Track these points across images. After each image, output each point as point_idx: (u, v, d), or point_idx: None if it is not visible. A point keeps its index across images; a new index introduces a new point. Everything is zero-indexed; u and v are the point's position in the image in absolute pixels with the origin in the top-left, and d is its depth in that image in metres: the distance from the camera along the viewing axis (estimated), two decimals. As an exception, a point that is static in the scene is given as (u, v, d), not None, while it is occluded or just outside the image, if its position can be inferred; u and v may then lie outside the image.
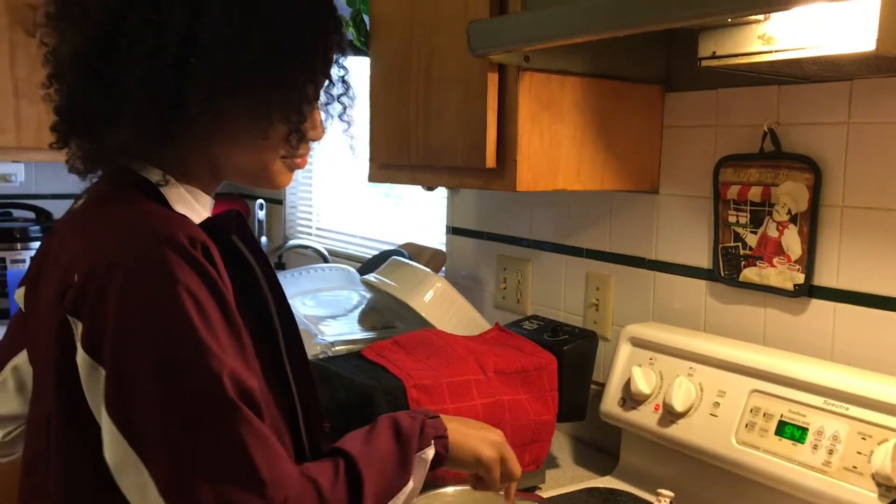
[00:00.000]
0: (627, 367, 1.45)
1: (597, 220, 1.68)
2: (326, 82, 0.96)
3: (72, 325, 0.79)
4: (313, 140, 0.98)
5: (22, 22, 2.52)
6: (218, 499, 0.73)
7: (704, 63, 1.17)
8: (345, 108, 1.01)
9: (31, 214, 2.80)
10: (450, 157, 1.47)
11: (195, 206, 0.91)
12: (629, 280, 1.62)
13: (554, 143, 1.39)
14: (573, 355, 1.44)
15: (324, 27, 0.92)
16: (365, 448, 0.89)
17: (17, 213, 2.81)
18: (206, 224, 0.85)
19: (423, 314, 1.54)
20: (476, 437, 1.01)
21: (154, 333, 0.75)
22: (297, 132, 0.91)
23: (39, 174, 2.89)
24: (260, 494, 0.75)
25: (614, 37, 1.15)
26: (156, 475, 0.74)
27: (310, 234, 2.87)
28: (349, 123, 1.04)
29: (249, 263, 0.86)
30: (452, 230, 2.08)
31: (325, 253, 2.50)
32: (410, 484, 0.92)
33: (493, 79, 1.36)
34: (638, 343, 1.46)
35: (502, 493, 1.08)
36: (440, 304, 1.56)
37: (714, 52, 1.14)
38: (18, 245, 2.64)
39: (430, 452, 0.95)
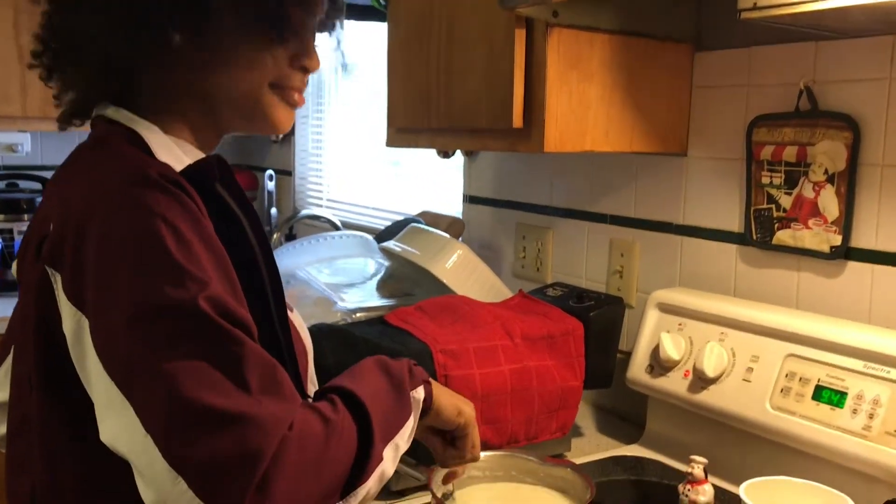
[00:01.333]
0: (655, 334, 1.41)
1: (621, 186, 1.64)
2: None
3: (51, 277, 0.77)
4: (308, 69, 0.92)
5: (26, -12, 2.46)
6: (209, 422, 0.67)
7: (745, 15, 1.12)
8: (334, 26, 0.95)
9: (38, 185, 2.76)
10: (473, 119, 1.42)
11: (181, 157, 0.86)
12: (655, 246, 1.58)
13: (582, 103, 1.35)
14: (600, 321, 1.41)
15: None
16: (356, 383, 0.83)
17: (23, 184, 2.77)
18: (186, 171, 0.81)
19: (444, 281, 1.51)
20: (456, 398, 0.98)
21: (131, 265, 0.72)
22: (286, 47, 0.88)
23: (45, 144, 2.84)
24: (259, 411, 0.69)
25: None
26: (140, 410, 0.69)
27: (320, 206, 2.83)
28: (339, 40, 0.98)
29: (234, 212, 0.82)
30: (469, 199, 2.04)
31: (338, 223, 2.46)
32: (411, 419, 0.86)
33: (520, 35, 1.31)
34: (666, 308, 1.43)
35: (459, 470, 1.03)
36: (462, 271, 1.52)
37: (755, 3, 1.10)
38: (25, 216, 2.60)
39: (421, 392, 0.90)
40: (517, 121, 1.33)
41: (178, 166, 0.82)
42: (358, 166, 2.70)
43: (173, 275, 0.71)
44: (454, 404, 0.96)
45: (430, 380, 0.93)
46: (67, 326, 0.75)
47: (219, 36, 0.85)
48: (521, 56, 1.32)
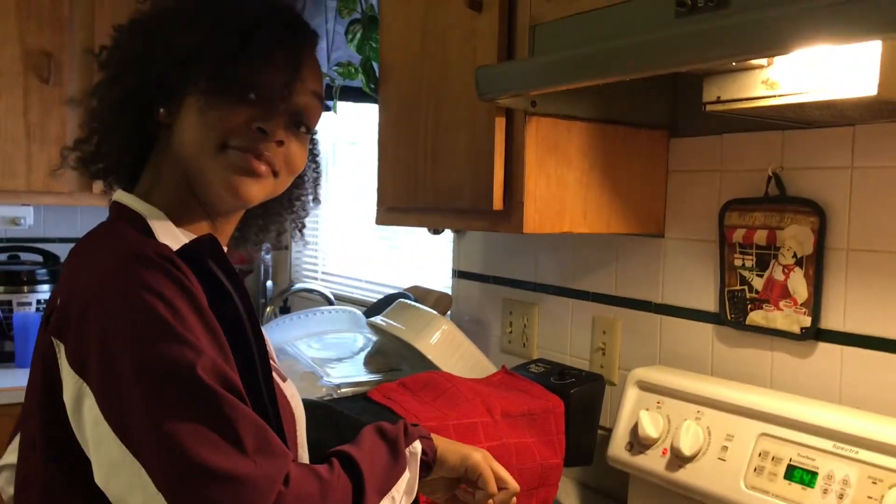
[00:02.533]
0: (635, 411, 1.44)
1: (603, 264, 1.69)
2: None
3: (56, 347, 0.83)
4: (265, 131, 0.93)
5: (36, 68, 2.57)
6: (213, 481, 0.74)
7: (709, 108, 1.18)
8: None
9: (39, 258, 2.81)
10: (457, 200, 1.48)
11: (179, 238, 0.94)
12: (636, 324, 1.62)
13: (560, 186, 1.41)
14: (580, 398, 1.44)
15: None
16: (353, 447, 0.92)
17: (24, 256, 2.83)
18: (181, 251, 0.88)
19: (429, 356, 1.54)
20: (461, 446, 1.06)
21: (131, 335, 0.79)
22: (242, 109, 0.93)
23: (48, 217, 2.91)
24: (256, 471, 0.76)
25: (619, 81, 1.18)
26: (150, 468, 0.76)
27: (315, 279, 2.88)
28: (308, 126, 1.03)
29: (224, 287, 0.88)
30: (458, 274, 2.09)
31: (331, 296, 2.51)
32: (407, 473, 0.94)
33: (500, 123, 1.38)
34: (645, 387, 1.46)
35: None
36: (446, 347, 1.56)
37: (718, 97, 1.16)
38: (25, 288, 2.65)
39: (417, 446, 0.98)
40: (497, 203, 1.39)
41: (176, 245, 0.89)
42: (352, 241, 2.76)
43: (171, 343, 0.78)
44: (457, 451, 1.04)
45: (431, 435, 1.01)
46: (68, 394, 0.82)
47: (179, 108, 0.95)
48: (501, 142, 1.39)
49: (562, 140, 1.41)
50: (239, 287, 0.90)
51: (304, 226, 1.19)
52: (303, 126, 0.99)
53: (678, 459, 1.34)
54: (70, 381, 0.81)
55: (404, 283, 2.30)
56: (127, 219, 0.94)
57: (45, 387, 0.85)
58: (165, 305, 0.80)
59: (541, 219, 1.39)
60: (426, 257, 2.33)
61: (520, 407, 1.36)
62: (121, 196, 0.97)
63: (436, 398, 1.35)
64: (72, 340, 0.82)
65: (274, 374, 0.92)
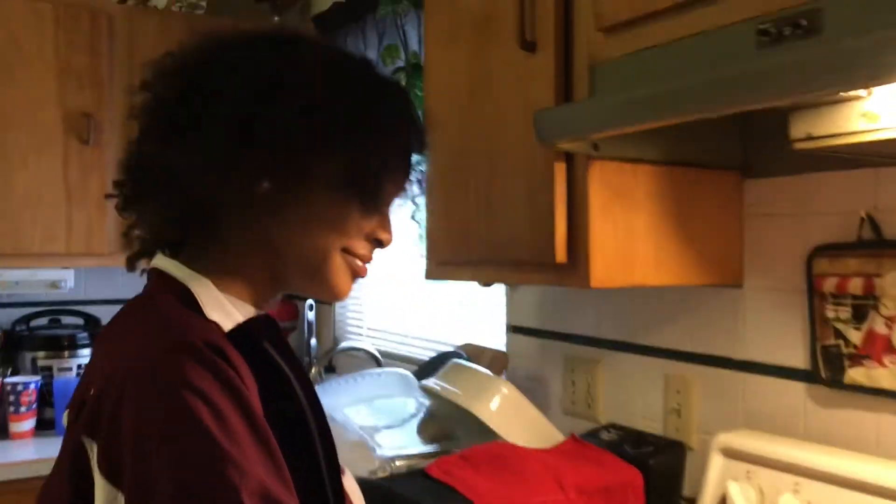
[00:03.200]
0: (721, 482, 1.29)
1: (673, 317, 1.56)
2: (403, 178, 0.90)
3: (87, 446, 0.72)
4: (382, 243, 0.90)
5: (76, 129, 2.54)
6: None
7: (799, 146, 1.06)
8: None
9: (80, 321, 2.76)
10: (515, 252, 1.37)
11: (233, 314, 0.82)
12: (714, 382, 1.48)
13: (629, 235, 1.29)
14: (660, 469, 1.30)
15: (411, 118, 0.89)
16: None
17: (65, 319, 2.78)
18: (235, 331, 0.78)
19: (489, 423, 1.42)
20: None
21: (169, 446, 0.68)
22: (368, 219, 0.86)
23: (89, 280, 2.86)
24: None
25: (688, 122, 1.07)
26: None
27: (360, 335, 2.77)
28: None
29: (283, 372, 0.77)
30: (513, 329, 1.96)
31: (378, 355, 2.40)
32: None
33: (560, 168, 1.27)
34: (732, 454, 1.31)
35: None
36: (508, 413, 1.43)
37: (809, 134, 1.04)
38: (66, 353, 2.59)
39: None
40: (560, 255, 1.27)
41: (228, 324, 0.79)
42: (398, 294, 2.65)
43: (213, 461, 0.67)
44: None
45: None
46: (100, 502, 0.71)
47: (305, 193, 0.83)
48: (563, 188, 1.28)
49: (628, 184, 1.29)
50: (300, 375, 0.80)
51: None
52: None
53: (776, 538, 1.19)
54: (103, 489, 0.70)
55: (454, 339, 2.19)
56: (169, 292, 0.82)
57: (74, 487, 0.74)
58: (210, 411, 0.69)
59: (609, 271, 1.27)
60: (477, 311, 2.21)
61: (595, 481, 1.23)
62: (163, 262, 0.86)
63: (501, 473, 1.22)
64: (103, 441, 0.71)
65: None
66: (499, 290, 2.02)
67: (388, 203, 0.89)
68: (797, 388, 1.34)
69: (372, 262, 0.90)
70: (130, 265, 0.89)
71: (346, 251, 0.86)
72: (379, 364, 2.33)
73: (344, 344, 2.45)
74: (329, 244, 0.85)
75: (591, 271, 1.25)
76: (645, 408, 1.61)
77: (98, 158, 2.56)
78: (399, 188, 0.90)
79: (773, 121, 1.09)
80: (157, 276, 0.85)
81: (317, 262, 0.85)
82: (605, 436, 1.41)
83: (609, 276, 1.27)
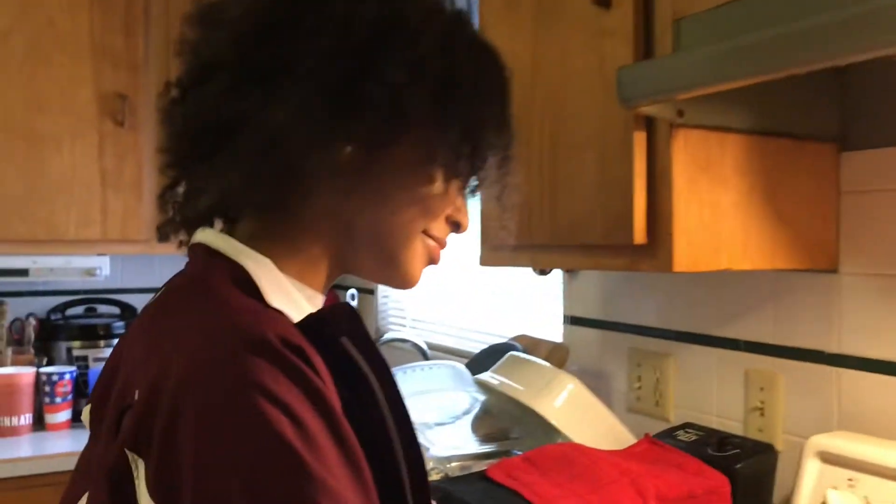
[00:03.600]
0: (819, 491, 1.15)
1: (756, 306, 1.41)
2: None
3: (131, 463, 0.59)
4: (460, 225, 0.79)
5: (111, 112, 2.45)
6: None
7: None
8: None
9: (116, 310, 2.68)
10: (584, 234, 1.24)
11: (298, 301, 0.70)
12: (803, 378, 1.33)
13: (716, 213, 1.15)
14: (750, 475, 1.16)
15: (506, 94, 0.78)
16: None
17: (101, 308, 2.70)
18: (307, 322, 0.64)
19: (554, 422, 1.29)
20: None
21: (245, 472, 0.54)
22: (451, 198, 0.75)
23: (125, 267, 2.78)
24: None
25: (780, 84, 0.94)
26: None
27: (404, 325, 2.66)
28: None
29: (362, 373, 0.64)
30: (571, 320, 1.83)
31: (425, 347, 2.27)
32: None
33: (640, 139, 1.14)
34: (830, 459, 1.17)
35: None
36: (574, 410, 1.30)
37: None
38: (101, 342, 2.51)
39: None
40: (639, 236, 1.14)
41: (295, 314, 0.66)
42: (443, 282, 2.53)
43: (301, 488, 0.54)
44: None
45: None
46: None
47: (401, 164, 0.72)
48: (642, 162, 1.14)
49: (714, 156, 1.15)
50: (384, 379, 0.66)
51: None
52: None
53: (887, 556, 1.05)
54: None
55: (504, 330, 2.06)
56: (223, 274, 0.68)
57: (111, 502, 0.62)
58: (293, 425, 0.55)
59: (694, 254, 1.13)
60: (529, 300, 2.08)
61: (677, 488, 1.10)
62: (211, 237, 0.73)
63: (572, 478, 1.09)
64: (155, 459, 0.58)
65: None
66: (555, 278, 1.88)
67: (476, 181, 0.78)
68: (905, 385, 1.19)
69: (446, 247, 0.80)
70: (164, 235, 0.76)
71: (426, 233, 0.76)
72: (425, 356, 2.21)
73: (388, 335, 2.33)
74: (414, 224, 0.75)
75: (674, 254, 1.11)
76: (722, 406, 1.47)
77: (133, 141, 2.47)
78: (489, 167, 0.77)
79: (876, 85, 0.95)
80: (204, 253, 0.72)
81: (397, 242, 0.74)
82: (682, 436, 1.27)
83: (693, 260, 1.13)
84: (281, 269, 0.70)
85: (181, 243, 0.77)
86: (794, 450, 1.29)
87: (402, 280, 0.77)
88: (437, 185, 0.74)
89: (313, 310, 0.69)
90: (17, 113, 2.32)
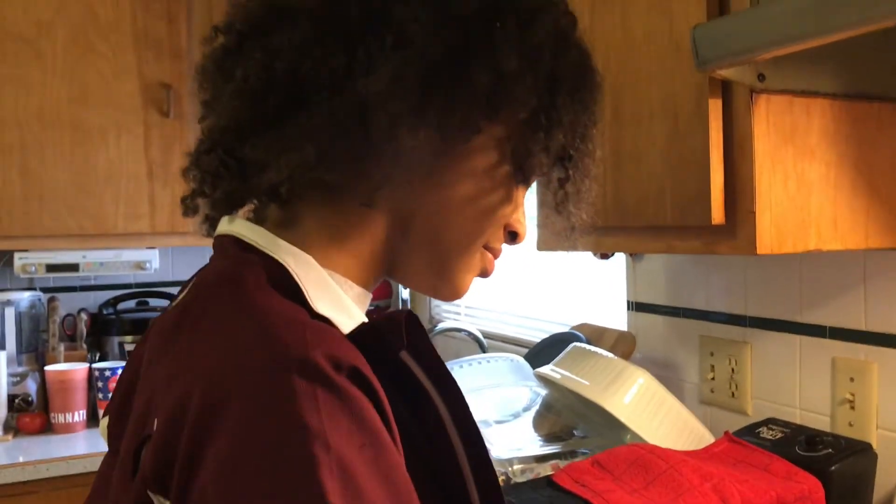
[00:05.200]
0: (926, 495, 1.03)
1: (844, 289, 1.28)
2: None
3: (155, 502, 0.50)
4: (518, 235, 0.71)
5: (156, 102, 2.41)
6: None
7: None
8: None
9: (167, 303, 2.65)
10: (653, 215, 1.13)
11: (348, 306, 0.59)
12: (900, 368, 1.20)
13: (802, 188, 1.03)
14: (845, 478, 1.05)
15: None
16: None
17: (152, 301, 2.67)
18: (361, 334, 0.55)
19: (623, 420, 1.19)
20: None
21: None
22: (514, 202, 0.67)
23: (175, 259, 2.75)
24: None
25: (872, 41, 0.82)
26: None
27: (458, 314, 2.57)
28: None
29: (426, 393, 0.54)
30: (636, 306, 1.72)
31: (481, 337, 2.18)
32: None
33: (715, 106, 1.02)
34: (937, 460, 1.05)
35: None
36: (645, 407, 1.20)
37: None
38: (153, 336, 2.48)
39: None
40: (717, 215, 1.02)
41: (346, 321, 0.57)
42: (500, 267, 2.43)
43: None
44: None
45: None
46: None
47: (467, 157, 0.63)
48: (718, 132, 1.03)
49: (800, 124, 1.03)
50: (451, 395, 0.57)
51: None
52: None
53: None
54: None
55: (564, 318, 1.95)
56: (258, 272, 0.58)
57: None
58: (339, 473, 0.45)
59: (779, 234, 1.02)
60: (590, 286, 1.97)
61: (765, 494, 0.99)
62: (244, 228, 0.63)
63: (648, 484, 0.99)
64: (176, 500, 0.49)
65: None
66: (617, 261, 1.77)
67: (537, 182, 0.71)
68: None
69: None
70: (190, 209, 0.66)
71: (485, 246, 0.68)
72: (482, 347, 2.12)
73: (442, 325, 2.25)
74: (479, 229, 0.66)
75: (757, 234, 1.00)
76: (806, 398, 1.34)
77: (179, 131, 2.42)
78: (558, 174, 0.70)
79: None
80: (235, 247, 0.62)
81: (457, 248, 0.66)
82: (766, 434, 1.16)
83: (779, 241, 1.02)
84: (323, 265, 0.61)
85: (207, 225, 0.68)
86: (891, 447, 1.17)
87: (450, 291, 0.68)
88: (510, 188, 0.65)
89: (362, 315, 0.60)
90: (61, 106, 2.29)
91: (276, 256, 0.59)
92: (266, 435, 0.47)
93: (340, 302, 0.59)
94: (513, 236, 0.70)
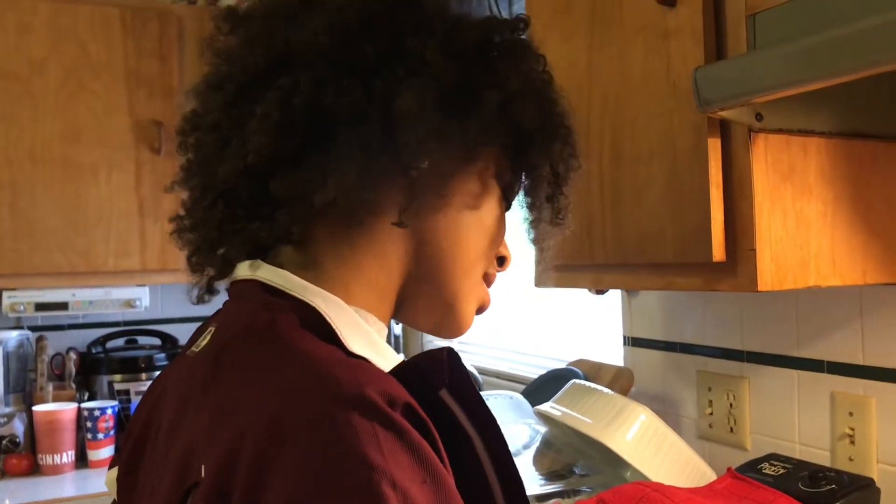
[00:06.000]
0: (930, 531, 1.03)
1: (841, 323, 1.29)
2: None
3: None
4: (505, 260, 0.75)
5: (147, 139, 2.41)
6: None
7: None
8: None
9: (157, 341, 2.63)
10: (653, 252, 1.14)
11: (379, 345, 0.60)
12: (899, 402, 1.21)
13: (801, 225, 1.04)
14: (850, 515, 1.04)
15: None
16: None
17: (142, 339, 2.65)
18: (402, 371, 0.55)
19: (625, 457, 1.19)
20: None
21: None
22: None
23: (165, 297, 2.74)
24: None
25: (865, 81, 0.84)
26: None
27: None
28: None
29: (464, 432, 0.54)
30: (632, 341, 1.72)
31: (476, 373, 2.18)
32: None
33: (714, 145, 1.04)
34: (941, 495, 1.05)
35: None
36: (647, 444, 1.20)
37: None
38: (143, 375, 2.45)
39: None
40: (718, 253, 1.03)
41: (382, 361, 0.57)
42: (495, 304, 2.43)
43: None
44: None
45: None
46: None
47: (465, 178, 0.66)
48: (718, 171, 1.04)
49: (798, 163, 1.05)
50: (490, 434, 0.57)
51: None
52: None
53: None
54: None
55: (560, 353, 1.95)
56: (291, 317, 0.58)
57: None
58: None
59: (779, 271, 1.03)
60: (584, 322, 1.98)
61: (772, 532, 0.98)
62: (268, 273, 0.62)
63: (654, 524, 0.99)
64: None
65: None
66: (613, 298, 1.78)
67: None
68: None
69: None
70: (196, 266, 0.68)
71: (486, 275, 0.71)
72: (478, 384, 2.11)
73: (436, 360, 2.24)
74: (480, 253, 0.68)
75: (758, 272, 1.01)
76: (805, 433, 1.35)
77: (170, 169, 2.41)
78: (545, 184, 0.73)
79: None
80: (260, 292, 0.62)
81: (461, 276, 0.67)
82: (768, 469, 1.16)
83: (780, 278, 1.03)
84: (349, 303, 0.61)
85: (211, 280, 0.68)
86: (890, 481, 1.17)
87: (456, 324, 0.69)
88: (503, 210, 0.69)
89: (395, 355, 0.60)
90: (53, 143, 2.29)
91: (305, 300, 0.59)
92: (329, 473, 0.46)
93: (373, 341, 0.60)
94: (500, 261, 0.73)
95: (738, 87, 0.88)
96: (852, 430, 1.27)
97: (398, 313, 0.68)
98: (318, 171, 0.59)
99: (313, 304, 0.59)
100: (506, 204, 0.71)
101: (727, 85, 0.89)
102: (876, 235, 1.11)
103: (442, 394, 0.55)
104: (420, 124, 0.59)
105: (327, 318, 0.58)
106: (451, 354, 0.57)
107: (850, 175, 1.09)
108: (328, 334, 0.57)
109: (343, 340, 0.57)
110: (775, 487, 1.09)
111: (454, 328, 0.69)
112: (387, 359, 0.58)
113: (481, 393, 1.63)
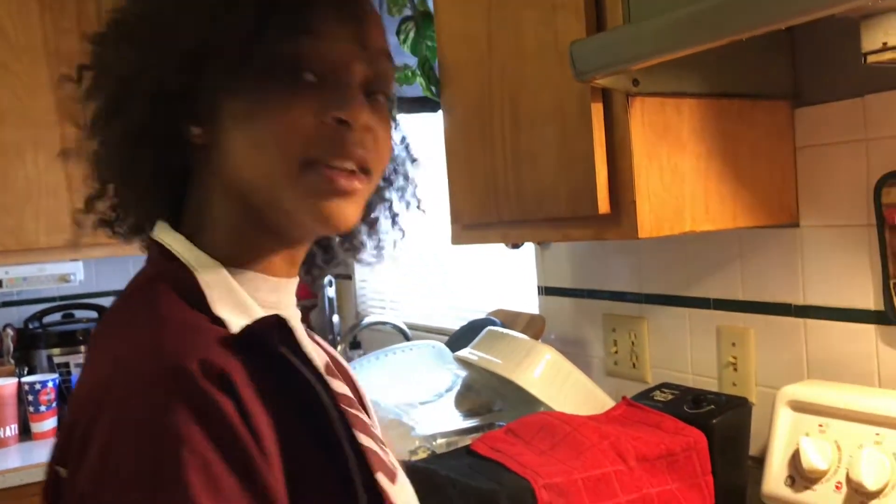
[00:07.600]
0: (792, 438, 1.19)
1: (723, 264, 1.44)
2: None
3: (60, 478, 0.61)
4: (347, 121, 0.67)
5: (71, 116, 2.42)
6: None
7: (872, 59, 0.94)
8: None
9: (94, 314, 2.68)
10: (550, 207, 1.26)
11: (248, 308, 0.68)
12: (772, 332, 1.37)
13: (676, 178, 1.18)
14: (725, 429, 1.20)
15: None
16: None
17: (79, 313, 2.69)
18: (241, 334, 0.63)
19: (534, 392, 1.32)
20: None
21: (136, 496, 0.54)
22: (310, 97, 0.66)
23: (99, 271, 2.77)
24: None
25: (731, 45, 0.96)
26: None
27: (384, 308, 2.68)
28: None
29: (305, 379, 0.63)
30: (545, 290, 1.86)
31: (405, 328, 2.30)
32: None
33: (597, 109, 1.16)
34: (801, 407, 1.21)
35: None
36: (552, 380, 1.33)
37: (886, 43, 0.92)
38: (81, 347, 2.50)
39: None
40: (603, 206, 1.16)
41: (239, 319, 0.65)
42: (420, 264, 2.55)
43: None
44: None
45: None
46: None
47: (218, 109, 0.68)
48: (601, 132, 1.16)
49: (672, 122, 1.18)
50: (323, 381, 0.65)
51: (403, 233, 0.92)
52: (380, 94, 0.72)
53: (859, 495, 1.09)
54: None
55: (482, 305, 2.08)
56: (167, 280, 0.66)
57: None
58: (201, 468, 0.54)
59: (657, 219, 1.16)
60: (504, 274, 2.11)
61: (656, 447, 1.13)
62: (165, 234, 0.70)
63: (554, 446, 1.13)
64: (69, 481, 0.59)
65: (382, 483, 0.66)
66: (527, 251, 1.91)
67: (307, 65, 0.66)
68: (867, 331, 1.23)
69: (350, 156, 0.67)
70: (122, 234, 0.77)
71: (309, 163, 0.66)
72: (406, 337, 2.24)
73: (368, 319, 2.35)
74: (275, 165, 0.66)
75: (638, 221, 1.14)
76: (697, 364, 1.51)
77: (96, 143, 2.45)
78: (309, 38, 0.67)
79: (822, 41, 0.98)
80: (157, 253, 0.70)
81: (276, 193, 0.67)
82: (658, 396, 1.31)
83: (658, 225, 1.16)
84: (237, 264, 0.69)
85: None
86: (767, 401, 1.33)
87: (320, 227, 0.70)
88: (242, 113, 0.67)
89: (273, 309, 0.67)
90: (-24, 125, 2.29)
91: (189, 265, 0.67)
92: (134, 435, 0.55)
93: (244, 304, 0.67)
94: (342, 122, 0.68)
95: (609, 58, 1.00)
96: (735, 358, 1.43)
97: (284, 234, 0.72)
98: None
99: (193, 270, 0.67)
100: (265, 84, 0.67)
101: (599, 56, 1.00)
102: (744, 184, 1.25)
103: (282, 350, 0.62)
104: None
105: (201, 283, 0.66)
106: (278, 321, 0.64)
107: (719, 131, 1.22)
108: (199, 299, 0.65)
109: (210, 304, 0.65)
110: (663, 411, 1.24)
111: (325, 226, 0.71)
112: (249, 318, 0.65)
113: (407, 343, 1.75)
